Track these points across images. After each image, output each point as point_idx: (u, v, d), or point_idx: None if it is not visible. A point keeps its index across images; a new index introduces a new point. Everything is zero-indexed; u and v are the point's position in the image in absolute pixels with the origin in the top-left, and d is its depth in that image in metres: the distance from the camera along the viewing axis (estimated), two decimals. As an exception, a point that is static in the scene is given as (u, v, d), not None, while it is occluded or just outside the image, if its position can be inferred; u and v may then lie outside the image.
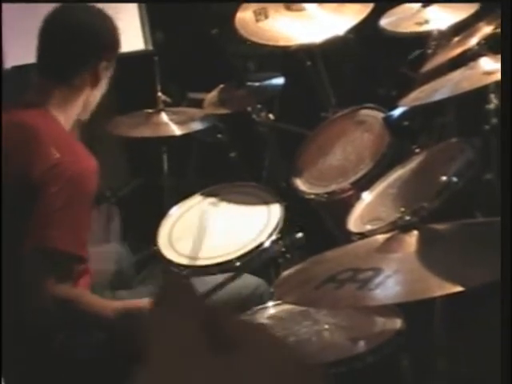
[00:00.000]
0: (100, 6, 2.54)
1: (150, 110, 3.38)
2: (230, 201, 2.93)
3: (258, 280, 2.56)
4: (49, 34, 2.42)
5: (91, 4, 2.55)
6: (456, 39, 2.69)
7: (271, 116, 3.39)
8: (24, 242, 2.19)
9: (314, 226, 2.97)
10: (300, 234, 2.65)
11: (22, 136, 2.30)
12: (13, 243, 2.20)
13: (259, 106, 3.34)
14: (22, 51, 3.02)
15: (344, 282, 1.76)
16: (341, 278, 1.78)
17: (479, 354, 2.28)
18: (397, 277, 1.74)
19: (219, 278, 2.51)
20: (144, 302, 2.31)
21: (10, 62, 3.28)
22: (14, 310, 2.19)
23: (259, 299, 2.43)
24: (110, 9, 2.58)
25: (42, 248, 2.20)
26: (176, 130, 3.29)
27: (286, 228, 2.75)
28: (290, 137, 3.40)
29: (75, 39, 2.40)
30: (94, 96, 2.45)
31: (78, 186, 2.24)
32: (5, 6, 3.21)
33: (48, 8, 2.50)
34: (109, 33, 2.46)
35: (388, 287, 1.71)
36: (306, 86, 3.56)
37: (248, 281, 2.55)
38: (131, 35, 3.38)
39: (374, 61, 3.80)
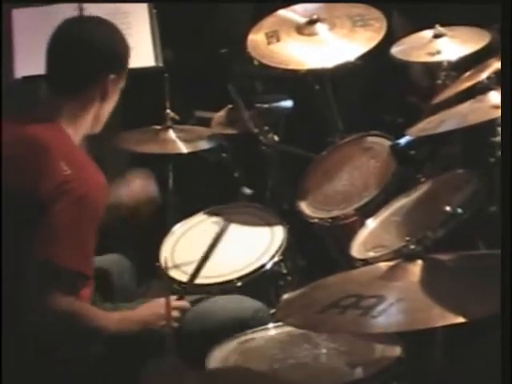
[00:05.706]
0: (110, 20, 2.55)
1: (158, 127, 3.39)
2: (233, 221, 2.94)
3: (257, 304, 2.51)
4: (57, 49, 2.42)
5: (101, 18, 2.56)
6: (467, 73, 2.71)
7: (276, 138, 3.40)
8: (29, 257, 2.18)
9: (316, 250, 2.98)
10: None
11: (33, 150, 2.28)
12: (18, 257, 2.19)
13: (266, 127, 3.36)
14: (34, 62, 3.04)
15: (347, 308, 1.76)
16: (344, 303, 1.78)
17: (479, 382, 2.28)
18: (399, 305, 1.74)
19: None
20: (142, 311, 2.33)
21: (20, 73, 3.30)
22: (16, 323, 2.19)
23: (259, 323, 2.41)
24: (120, 24, 2.58)
25: (46, 263, 2.18)
26: (183, 148, 3.30)
27: (289, 250, 2.76)
28: (294, 159, 3.42)
29: (83, 53, 2.39)
30: (104, 109, 2.44)
31: (87, 203, 2.23)
32: (17, 14, 3.25)
33: (61, 18, 2.52)
34: (117, 46, 2.45)
35: (390, 315, 1.72)
36: (313, 109, 3.57)
37: (248, 304, 2.51)
38: (142, 51, 3.40)
39: (382, 88, 3.82)
